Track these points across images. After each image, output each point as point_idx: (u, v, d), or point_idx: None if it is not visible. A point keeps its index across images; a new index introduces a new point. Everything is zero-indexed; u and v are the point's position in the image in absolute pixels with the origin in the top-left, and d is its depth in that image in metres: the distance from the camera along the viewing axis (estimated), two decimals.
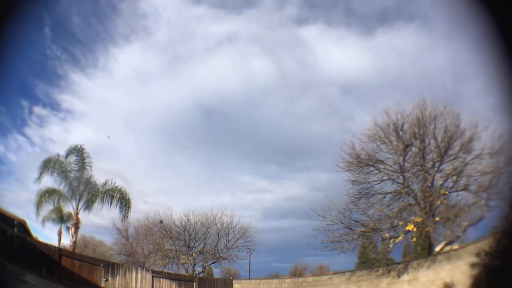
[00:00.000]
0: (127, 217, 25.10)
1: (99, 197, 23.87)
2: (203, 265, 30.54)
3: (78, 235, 25.77)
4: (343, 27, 46.68)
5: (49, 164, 22.96)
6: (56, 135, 39.80)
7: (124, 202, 24.27)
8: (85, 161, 24.23)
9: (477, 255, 13.30)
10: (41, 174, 22.81)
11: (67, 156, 23.90)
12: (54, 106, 39.45)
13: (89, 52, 41.10)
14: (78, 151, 24.17)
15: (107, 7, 40.61)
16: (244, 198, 43.97)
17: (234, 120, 45.04)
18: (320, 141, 40.52)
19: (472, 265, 13.38)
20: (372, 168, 21.12)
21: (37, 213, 23.54)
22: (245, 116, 44.74)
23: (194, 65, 43.96)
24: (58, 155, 23.67)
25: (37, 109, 38.01)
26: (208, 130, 45.49)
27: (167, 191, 43.44)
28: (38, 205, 23.11)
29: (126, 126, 43.56)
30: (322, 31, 43.19)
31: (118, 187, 24.56)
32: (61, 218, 28.61)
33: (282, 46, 42.75)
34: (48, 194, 23.23)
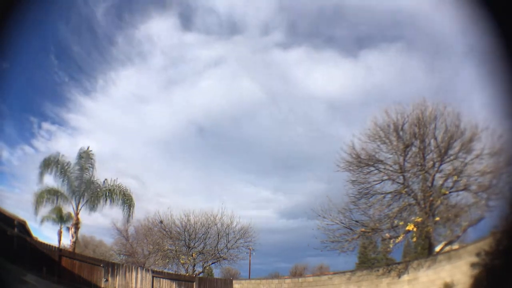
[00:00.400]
0: (131, 216, 24.99)
1: (101, 197, 23.78)
2: (203, 265, 30.54)
3: (78, 235, 25.76)
4: (327, 49, 48.81)
5: (50, 164, 22.90)
6: (63, 147, 41.41)
7: (127, 202, 24.18)
8: (88, 161, 24.21)
9: (477, 255, 13.30)
10: (41, 173, 22.75)
11: (79, 159, 23.94)
12: (62, 123, 42.15)
13: (91, 77, 43.32)
14: (84, 152, 24.19)
15: (104, 37, 42.64)
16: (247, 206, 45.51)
17: (226, 136, 47.39)
18: (311, 158, 42.57)
19: (472, 265, 13.38)
20: (372, 168, 21.14)
21: (36, 213, 23.47)
22: (237, 132, 46.48)
23: (186, 86, 46.17)
24: (59, 154, 23.61)
25: (46, 125, 40.08)
26: (202, 145, 47.61)
27: (180, 193, 44.92)
28: (37, 204, 23.04)
29: (127, 140, 45.47)
30: (307, 53, 44.24)
31: (120, 186, 24.44)
32: (61, 218, 28.60)
33: (268, 68, 44.07)
34: (47, 193, 23.17)
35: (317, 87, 42.02)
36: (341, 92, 41.83)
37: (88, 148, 24.55)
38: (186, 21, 49.76)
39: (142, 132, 45.45)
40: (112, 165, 38.30)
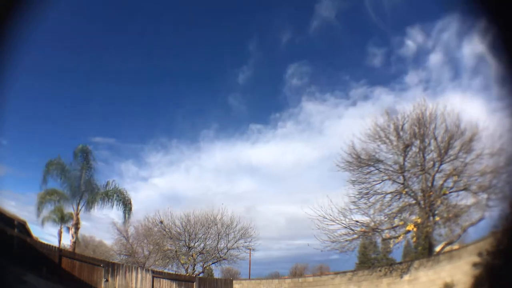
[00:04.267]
0: (129, 217, 25.06)
1: (101, 198, 23.82)
2: (203, 265, 30.54)
3: (78, 235, 25.78)
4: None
5: (52, 166, 22.97)
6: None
7: (125, 203, 24.23)
8: (89, 162, 24.22)
9: (478, 255, 13.30)
10: (44, 176, 22.90)
11: (74, 156, 23.94)
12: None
13: None
14: (84, 152, 24.16)
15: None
16: None
17: None
18: None
19: (473, 265, 13.37)
20: (372, 168, 21.12)
21: (38, 214, 23.62)
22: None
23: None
24: (59, 156, 23.66)
25: None
26: None
27: None
28: (39, 206, 23.20)
29: None
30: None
31: (119, 188, 24.52)
32: (61, 218, 28.62)
33: None
34: (48, 195, 23.26)
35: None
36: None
37: (87, 147, 24.53)
38: None
39: None
40: None
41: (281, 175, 50.12)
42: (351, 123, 44.08)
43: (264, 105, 58.85)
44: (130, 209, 24.48)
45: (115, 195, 23.93)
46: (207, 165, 51.60)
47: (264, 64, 47.34)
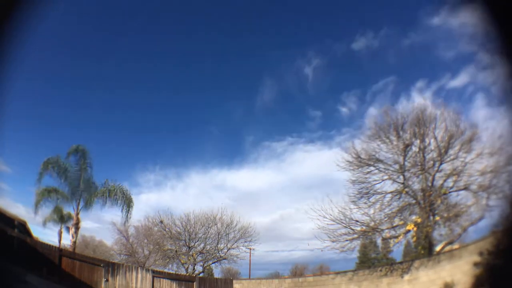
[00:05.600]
0: (130, 217, 24.97)
1: (101, 197, 23.74)
2: (203, 265, 30.55)
3: (78, 235, 25.75)
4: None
5: (49, 165, 22.86)
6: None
7: (126, 202, 24.14)
8: (86, 161, 24.15)
9: (478, 254, 13.30)
10: (40, 174, 22.71)
11: (67, 156, 23.83)
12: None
13: None
14: (79, 151, 24.08)
15: None
16: None
17: None
18: None
19: (473, 265, 13.38)
20: (372, 168, 21.13)
21: (36, 213, 23.51)
22: None
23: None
24: (58, 155, 23.57)
25: None
26: None
27: None
28: (37, 204, 23.09)
29: None
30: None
31: (120, 186, 24.41)
32: (61, 218, 28.55)
33: None
34: (47, 193, 23.17)
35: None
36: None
37: (82, 146, 24.40)
38: None
39: None
40: None
41: (252, 194, 57.09)
42: (307, 155, 53.51)
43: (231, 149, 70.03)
44: (132, 206, 24.39)
45: (117, 192, 23.79)
46: (190, 185, 57.93)
47: (228, 132, 57.38)
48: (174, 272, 27.28)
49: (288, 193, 58.73)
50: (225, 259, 30.55)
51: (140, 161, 66.51)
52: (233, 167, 62.42)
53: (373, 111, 38.92)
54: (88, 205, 23.66)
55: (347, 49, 51.02)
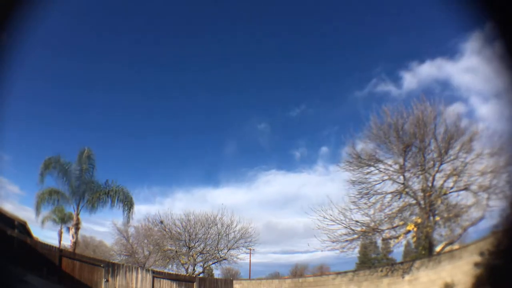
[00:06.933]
0: (131, 217, 24.97)
1: (102, 197, 23.73)
2: (203, 265, 30.53)
3: (79, 235, 25.74)
4: None
5: (50, 164, 22.85)
6: None
7: (127, 203, 24.15)
8: (90, 161, 24.16)
9: (478, 255, 13.31)
10: (41, 174, 22.70)
11: (78, 158, 23.86)
12: None
13: None
14: (85, 153, 24.12)
15: None
16: None
17: None
18: None
19: (473, 265, 13.39)
20: (372, 168, 21.11)
21: (37, 214, 23.52)
22: None
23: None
24: (59, 155, 23.56)
25: None
26: None
27: None
28: (38, 205, 23.06)
29: None
30: None
31: (121, 187, 24.40)
32: (61, 218, 28.57)
33: None
34: (48, 194, 23.15)
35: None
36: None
37: (87, 148, 24.48)
38: None
39: None
40: None
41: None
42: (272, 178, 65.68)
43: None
44: (132, 207, 24.39)
45: (117, 193, 23.81)
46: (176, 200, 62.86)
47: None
48: (174, 272, 27.26)
49: (256, 208, 65.44)
50: (225, 259, 30.55)
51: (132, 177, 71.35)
52: (211, 186, 72.51)
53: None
54: (92, 206, 23.66)
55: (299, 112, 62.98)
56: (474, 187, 18.01)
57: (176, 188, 68.20)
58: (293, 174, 67.97)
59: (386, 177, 20.78)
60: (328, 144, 63.57)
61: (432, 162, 19.77)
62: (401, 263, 20.88)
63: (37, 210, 23.14)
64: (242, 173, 71.94)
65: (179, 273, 27.39)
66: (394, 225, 20.17)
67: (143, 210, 56.81)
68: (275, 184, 65.27)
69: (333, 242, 20.71)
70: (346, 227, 20.65)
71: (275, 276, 40.19)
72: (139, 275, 20.76)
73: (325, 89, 63.27)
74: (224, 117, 66.37)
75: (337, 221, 20.65)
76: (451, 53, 48.32)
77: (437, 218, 18.93)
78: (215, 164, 69.33)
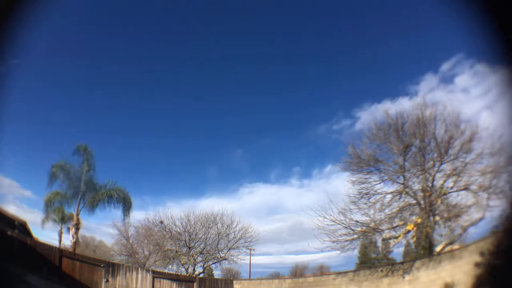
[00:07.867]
0: (129, 217, 25.07)
1: (102, 198, 23.81)
2: (203, 265, 30.54)
3: (79, 235, 25.77)
4: None
5: (56, 170, 23.10)
6: None
7: (125, 202, 24.21)
8: (89, 161, 24.21)
9: (478, 254, 13.31)
10: (50, 179, 23.10)
11: (73, 154, 24.04)
12: None
13: None
14: (83, 151, 24.16)
15: None
16: None
17: None
18: None
19: (473, 265, 13.39)
20: (372, 168, 21.13)
21: (46, 216, 24.10)
22: None
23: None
24: (62, 159, 23.78)
25: None
26: None
27: None
28: (46, 208, 23.59)
29: None
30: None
31: (119, 187, 24.45)
32: (62, 218, 28.63)
33: None
34: (53, 196, 23.46)
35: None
36: None
37: (86, 145, 24.50)
38: None
39: None
40: None
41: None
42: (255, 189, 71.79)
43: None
44: (130, 207, 24.47)
45: (115, 193, 23.89)
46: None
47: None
48: (174, 272, 27.27)
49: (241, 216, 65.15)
50: (225, 259, 30.55)
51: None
52: (198, 197, 76.13)
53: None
54: (91, 205, 23.73)
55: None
56: (474, 187, 18.02)
57: (167, 198, 71.63)
58: (273, 185, 75.99)
59: (386, 177, 20.81)
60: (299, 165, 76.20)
61: (432, 162, 19.78)
62: (401, 263, 20.88)
63: (46, 212, 23.64)
64: (224, 187, 79.10)
65: (179, 273, 27.40)
66: (394, 225, 20.17)
67: (137, 216, 58.69)
68: (258, 194, 71.61)
69: (333, 242, 20.73)
70: (346, 227, 20.65)
71: (275, 276, 40.20)
72: (139, 275, 20.76)
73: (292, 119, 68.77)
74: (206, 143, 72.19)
75: (337, 221, 20.66)
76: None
77: (437, 218, 18.94)
78: (201, 179, 73.52)
